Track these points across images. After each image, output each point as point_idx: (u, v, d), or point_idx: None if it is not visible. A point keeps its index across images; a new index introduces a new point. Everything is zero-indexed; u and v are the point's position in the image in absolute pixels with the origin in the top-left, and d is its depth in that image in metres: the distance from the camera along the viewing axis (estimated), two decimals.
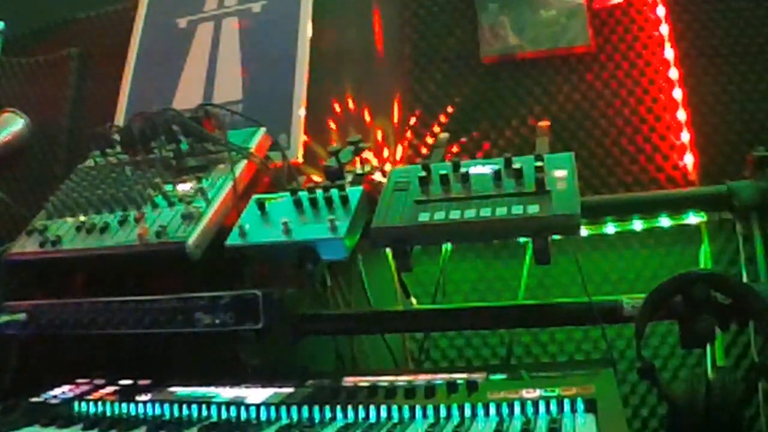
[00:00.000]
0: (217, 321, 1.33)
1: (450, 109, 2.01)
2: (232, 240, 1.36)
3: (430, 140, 1.98)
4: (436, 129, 1.98)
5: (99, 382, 1.39)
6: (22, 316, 1.46)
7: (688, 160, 1.78)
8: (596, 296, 1.35)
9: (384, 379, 1.23)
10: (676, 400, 1.12)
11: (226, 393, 1.23)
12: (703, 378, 1.13)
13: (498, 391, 1.08)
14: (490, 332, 1.79)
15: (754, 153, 1.51)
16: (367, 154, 1.67)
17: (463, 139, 1.95)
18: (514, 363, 1.72)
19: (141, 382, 1.37)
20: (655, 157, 1.82)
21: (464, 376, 1.18)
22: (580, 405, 1.01)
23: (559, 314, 1.40)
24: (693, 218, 1.66)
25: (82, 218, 1.55)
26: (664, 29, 1.88)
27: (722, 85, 1.82)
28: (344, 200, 1.36)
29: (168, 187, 1.54)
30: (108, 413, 1.22)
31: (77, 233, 1.52)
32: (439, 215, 1.24)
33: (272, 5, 2.16)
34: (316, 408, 1.11)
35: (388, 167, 1.90)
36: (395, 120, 2.05)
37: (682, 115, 1.81)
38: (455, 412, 1.05)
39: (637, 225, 1.70)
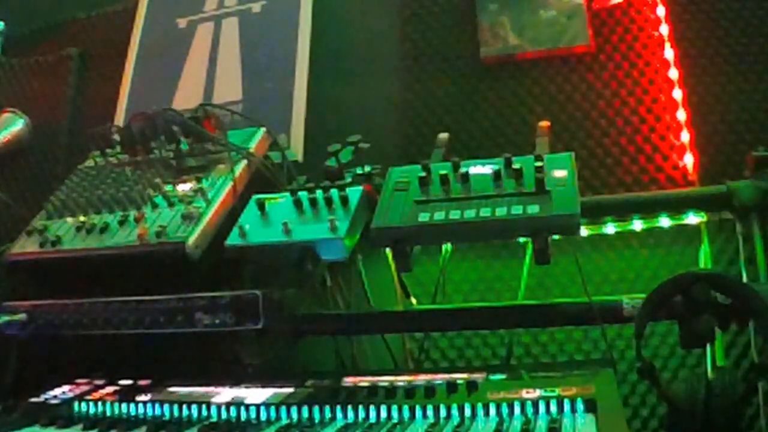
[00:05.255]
0: (217, 321, 1.33)
1: (450, 109, 2.01)
2: (232, 240, 1.36)
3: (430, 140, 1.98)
4: (436, 129, 1.98)
5: (99, 382, 1.39)
6: (22, 316, 1.46)
7: (688, 160, 1.78)
8: (596, 296, 1.35)
9: (384, 379, 1.23)
10: (676, 400, 1.12)
11: (226, 393, 1.23)
12: (703, 378, 1.13)
13: (498, 391, 1.08)
14: (490, 332, 1.79)
15: (754, 153, 1.51)
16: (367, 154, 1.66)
17: (463, 139, 1.95)
18: (514, 363, 1.72)
19: (141, 382, 1.37)
20: (655, 157, 1.82)
21: (464, 376, 1.18)
22: (580, 405, 1.01)
23: (559, 314, 1.40)
24: (693, 218, 1.66)
25: (82, 218, 1.55)
26: (664, 29, 1.88)
27: (722, 85, 1.82)
28: (344, 200, 1.36)
29: (168, 187, 1.54)
30: (108, 413, 1.21)
31: (77, 233, 1.52)
32: (439, 215, 1.24)
33: (272, 5, 2.16)
34: (316, 408, 1.11)
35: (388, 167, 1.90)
36: (395, 120, 2.05)
37: (682, 115, 1.81)
38: (455, 412, 1.05)
39: (637, 225, 1.70)
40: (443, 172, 1.32)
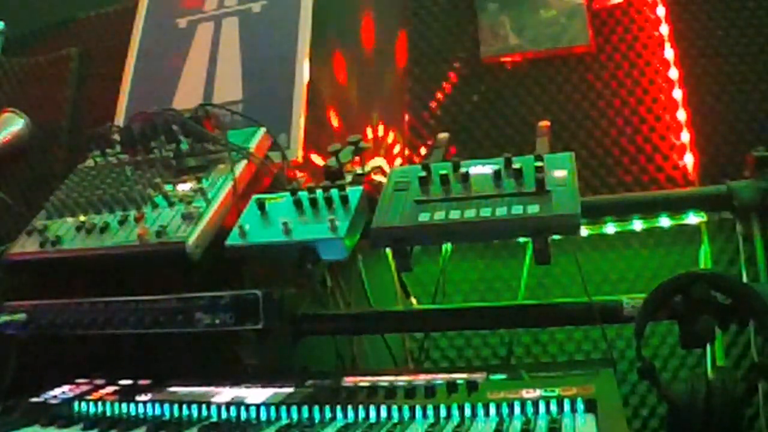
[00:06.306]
0: (217, 321, 1.33)
1: (450, 109, 2.01)
2: (232, 240, 1.36)
3: (430, 140, 1.98)
4: (436, 129, 1.98)
5: (99, 382, 1.39)
6: (22, 316, 1.46)
7: (688, 160, 1.78)
8: (596, 296, 1.35)
9: (384, 379, 1.23)
10: (676, 400, 1.12)
11: (226, 393, 1.23)
12: (703, 378, 1.13)
13: (498, 391, 1.08)
14: (490, 332, 1.79)
15: (754, 153, 1.51)
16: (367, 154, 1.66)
17: (463, 139, 1.95)
18: (514, 363, 1.72)
19: (141, 382, 1.37)
20: (655, 157, 1.82)
21: (464, 376, 1.18)
22: (580, 405, 1.01)
23: (559, 314, 1.40)
24: (693, 218, 1.66)
25: (82, 218, 1.55)
26: (664, 29, 1.88)
27: (722, 85, 1.82)
28: (344, 200, 1.36)
29: (168, 187, 1.54)
30: (108, 413, 1.21)
31: (77, 233, 1.52)
32: (439, 215, 1.24)
33: (272, 5, 2.16)
34: (316, 408, 1.11)
35: (388, 167, 1.90)
36: (395, 120, 2.05)
37: (682, 115, 1.81)
38: (455, 412, 1.05)
39: (637, 225, 1.70)
40: (443, 172, 1.32)
